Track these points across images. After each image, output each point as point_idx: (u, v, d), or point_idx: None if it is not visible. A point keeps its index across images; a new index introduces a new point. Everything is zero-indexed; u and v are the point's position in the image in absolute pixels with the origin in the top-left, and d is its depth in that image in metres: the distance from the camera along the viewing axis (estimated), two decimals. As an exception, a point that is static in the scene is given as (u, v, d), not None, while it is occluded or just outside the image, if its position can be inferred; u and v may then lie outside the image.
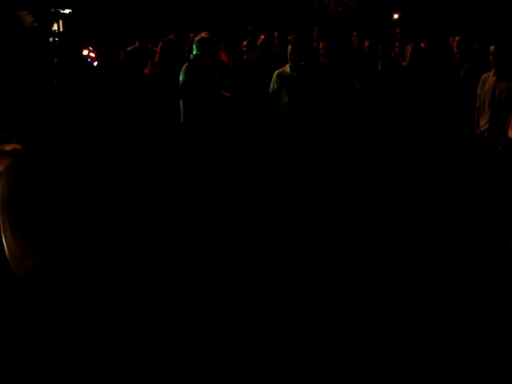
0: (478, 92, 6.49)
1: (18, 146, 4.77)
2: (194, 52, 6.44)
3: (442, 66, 7.33)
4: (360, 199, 6.61)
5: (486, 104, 6.26)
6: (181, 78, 6.39)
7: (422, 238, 5.80)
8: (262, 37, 7.53)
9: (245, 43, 7.66)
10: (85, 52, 7.17)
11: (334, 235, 5.83)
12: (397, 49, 7.75)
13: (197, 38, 6.51)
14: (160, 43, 7.26)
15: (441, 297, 4.67)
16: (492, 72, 6.34)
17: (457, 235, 5.93)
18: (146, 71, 6.89)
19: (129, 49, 7.90)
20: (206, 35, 6.46)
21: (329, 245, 5.59)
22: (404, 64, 7.16)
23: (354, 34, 8.95)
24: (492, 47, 6.07)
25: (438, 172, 6.80)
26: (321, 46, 7.09)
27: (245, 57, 7.48)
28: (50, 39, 13.44)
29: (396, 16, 23.48)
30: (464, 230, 6.05)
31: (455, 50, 7.43)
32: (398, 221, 6.20)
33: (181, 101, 6.44)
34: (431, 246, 5.66)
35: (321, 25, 11.79)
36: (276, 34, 7.93)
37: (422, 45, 7.58)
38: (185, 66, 6.48)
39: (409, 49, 7.02)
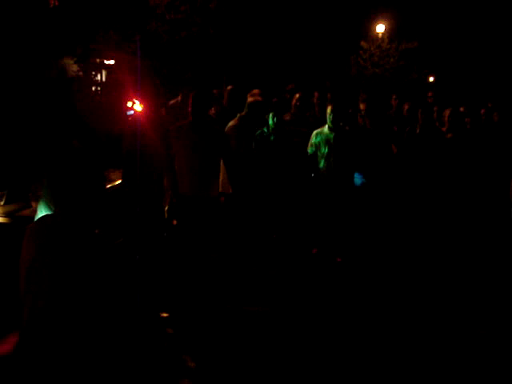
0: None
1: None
2: (244, 111, 6.61)
3: (480, 131, 7.33)
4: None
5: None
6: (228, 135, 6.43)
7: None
8: (297, 95, 7.60)
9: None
10: (129, 104, 7.29)
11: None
12: (435, 113, 7.77)
13: (251, 100, 6.64)
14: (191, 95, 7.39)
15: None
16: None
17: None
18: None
19: (171, 102, 8.04)
20: (259, 99, 6.59)
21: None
22: (443, 129, 7.16)
23: (394, 96, 9.01)
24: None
25: (471, 238, 6.71)
26: (361, 107, 7.16)
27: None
28: (93, 88, 13.88)
29: (432, 79, 23.73)
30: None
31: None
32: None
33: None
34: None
35: (357, 86, 11.97)
36: (316, 94, 8.00)
37: (461, 109, 7.61)
38: (233, 124, 6.59)
39: (447, 113, 7.03)
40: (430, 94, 10.14)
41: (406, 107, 7.72)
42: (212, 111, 7.07)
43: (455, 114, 7.03)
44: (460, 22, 22.08)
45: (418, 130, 7.21)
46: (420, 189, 6.94)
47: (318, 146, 6.61)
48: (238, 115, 6.73)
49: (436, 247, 6.58)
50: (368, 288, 5.75)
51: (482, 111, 8.28)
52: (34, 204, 4.92)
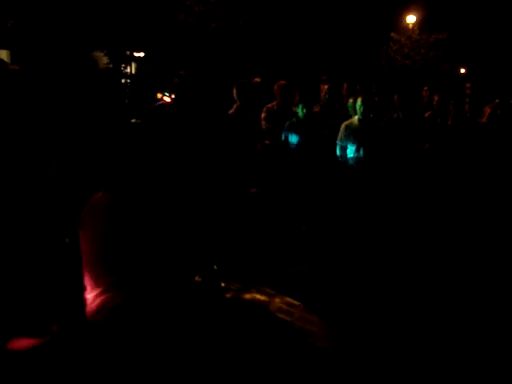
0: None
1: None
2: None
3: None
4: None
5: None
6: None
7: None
8: (326, 87, 7.56)
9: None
10: (159, 95, 7.36)
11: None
12: (467, 105, 7.66)
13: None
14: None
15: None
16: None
17: None
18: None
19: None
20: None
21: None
22: (481, 121, 7.05)
23: (425, 88, 8.90)
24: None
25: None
26: (395, 98, 7.10)
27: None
28: (123, 80, 14.00)
29: (463, 71, 23.40)
30: None
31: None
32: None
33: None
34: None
35: (387, 78, 11.85)
36: (345, 85, 7.95)
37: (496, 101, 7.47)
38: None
39: (487, 110, 6.94)
40: (468, 85, 9.97)
41: (437, 98, 7.63)
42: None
43: (496, 108, 6.93)
44: (491, 13, 21.72)
45: (449, 122, 7.13)
46: (450, 182, 6.84)
47: (347, 138, 6.57)
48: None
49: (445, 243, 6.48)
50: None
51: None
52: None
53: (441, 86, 11.80)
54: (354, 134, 6.52)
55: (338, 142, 6.67)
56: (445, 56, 20.71)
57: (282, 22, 17.82)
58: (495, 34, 21.63)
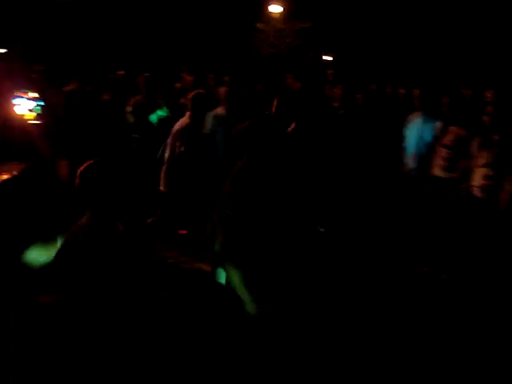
0: (404, 132, 6.80)
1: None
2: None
3: (373, 109, 7.63)
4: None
5: (413, 144, 6.57)
6: None
7: (358, 275, 5.91)
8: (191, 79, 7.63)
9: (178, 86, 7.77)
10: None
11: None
12: (327, 90, 8.02)
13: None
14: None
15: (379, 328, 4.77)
16: (417, 113, 6.67)
17: (390, 270, 6.10)
18: None
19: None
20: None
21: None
22: (335, 105, 7.39)
23: (289, 76, 9.21)
24: (416, 91, 6.39)
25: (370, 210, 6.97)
26: (258, 87, 7.29)
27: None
28: None
29: (329, 58, 24.25)
30: (398, 264, 6.23)
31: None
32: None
33: None
34: (367, 282, 5.77)
35: (255, 67, 12.09)
36: (212, 76, 8.07)
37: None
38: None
39: (338, 91, 7.26)
40: (329, 72, 10.37)
41: (298, 85, 7.94)
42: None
43: (346, 91, 7.29)
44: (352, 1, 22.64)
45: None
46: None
47: (215, 127, 6.67)
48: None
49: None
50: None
51: (373, 87, 8.59)
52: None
53: (306, 74, 12.21)
54: (220, 123, 6.63)
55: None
56: (309, 44, 21.41)
57: (149, 13, 17.68)
58: (358, 21, 22.54)
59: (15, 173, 5.72)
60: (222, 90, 6.80)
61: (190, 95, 6.03)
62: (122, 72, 7.98)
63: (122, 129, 7.09)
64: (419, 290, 5.62)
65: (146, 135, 6.90)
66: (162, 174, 6.05)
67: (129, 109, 7.12)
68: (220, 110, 6.72)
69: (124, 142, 6.97)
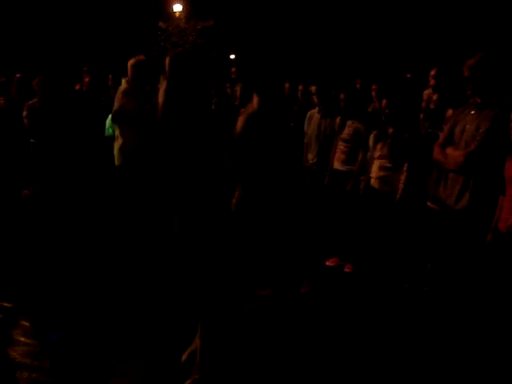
0: (305, 128, 6.92)
1: None
2: None
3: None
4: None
5: (313, 139, 6.69)
6: None
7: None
8: (87, 79, 7.43)
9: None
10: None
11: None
12: (228, 89, 8.03)
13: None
14: None
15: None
16: (316, 109, 6.80)
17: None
18: None
19: None
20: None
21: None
22: (236, 103, 7.39)
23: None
24: (314, 87, 6.50)
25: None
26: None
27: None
28: None
29: (233, 56, 24.42)
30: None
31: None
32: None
33: None
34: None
35: (160, 66, 11.95)
36: (111, 76, 7.90)
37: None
38: None
39: (238, 89, 7.27)
40: (233, 70, 10.35)
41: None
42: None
43: (246, 88, 7.29)
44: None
45: (212, 106, 7.42)
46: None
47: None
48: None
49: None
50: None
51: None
52: None
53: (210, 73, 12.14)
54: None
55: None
56: (212, 43, 21.45)
57: (38, 11, 17.12)
58: (260, 20, 22.77)
59: None
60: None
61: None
62: (18, 75, 7.67)
63: (18, 134, 6.81)
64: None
65: (43, 140, 6.66)
66: None
67: (24, 113, 6.85)
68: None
69: (20, 147, 6.70)
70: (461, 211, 4.50)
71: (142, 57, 6.27)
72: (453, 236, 4.64)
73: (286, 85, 8.22)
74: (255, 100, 4.69)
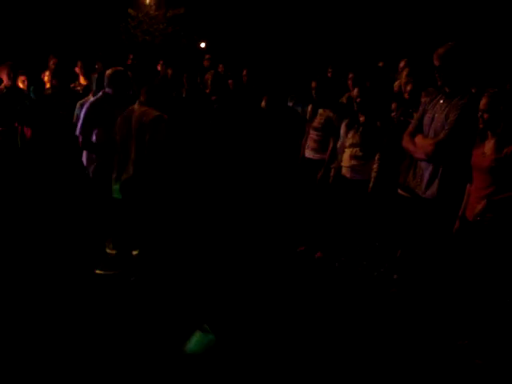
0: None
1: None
2: None
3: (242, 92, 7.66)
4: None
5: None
6: None
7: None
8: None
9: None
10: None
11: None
12: (198, 78, 7.97)
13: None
14: None
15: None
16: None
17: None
18: None
19: None
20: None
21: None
22: (207, 91, 7.33)
23: (161, 62, 9.08)
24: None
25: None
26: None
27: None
28: None
29: (203, 45, 24.24)
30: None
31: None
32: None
33: None
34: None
35: (131, 53, 11.84)
36: (80, 63, 7.78)
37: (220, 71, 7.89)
38: None
39: (209, 77, 7.22)
40: (207, 57, 10.27)
41: (170, 72, 7.85)
42: None
43: (216, 76, 7.26)
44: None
45: (184, 94, 7.38)
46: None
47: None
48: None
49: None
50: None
51: (244, 72, 8.53)
52: None
53: (179, 60, 12.11)
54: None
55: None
56: (183, 31, 21.28)
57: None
58: (231, 7, 22.62)
59: None
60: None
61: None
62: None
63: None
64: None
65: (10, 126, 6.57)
66: None
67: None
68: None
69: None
70: (430, 199, 4.57)
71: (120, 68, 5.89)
72: (422, 224, 4.71)
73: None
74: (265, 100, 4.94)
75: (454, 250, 4.44)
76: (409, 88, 5.73)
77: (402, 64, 6.73)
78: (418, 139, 4.64)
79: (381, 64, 8.81)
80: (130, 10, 20.96)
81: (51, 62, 7.60)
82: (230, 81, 7.84)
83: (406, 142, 4.78)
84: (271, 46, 20.05)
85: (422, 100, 5.18)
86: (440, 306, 4.63)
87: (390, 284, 5.40)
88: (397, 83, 6.82)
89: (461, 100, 4.40)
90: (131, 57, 10.12)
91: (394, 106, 5.83)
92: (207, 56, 10.38)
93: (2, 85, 6.86)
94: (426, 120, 4.64)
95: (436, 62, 4.51)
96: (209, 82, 7.15)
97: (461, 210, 4.35)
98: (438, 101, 4.60)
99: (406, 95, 5.76)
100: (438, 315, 4.62)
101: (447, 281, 4.57)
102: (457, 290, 4.46)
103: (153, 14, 21.34)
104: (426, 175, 4.57)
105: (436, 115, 4.55)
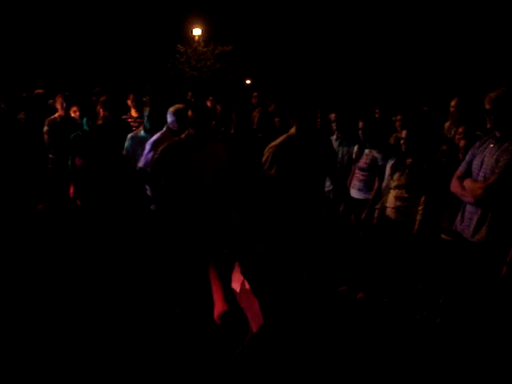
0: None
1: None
2: None
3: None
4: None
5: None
6: None
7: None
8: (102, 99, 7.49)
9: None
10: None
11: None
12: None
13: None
14: None
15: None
16: (334, 137, 6.85)
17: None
18: None
19: None
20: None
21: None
22: (254, 127, 7.44)
23: (210, 98, 9.26)
24: (333, 115, 6.54)
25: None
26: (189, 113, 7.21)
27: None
28: None
29: (248, 82, 24.62)
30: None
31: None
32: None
33: None
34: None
35: (178, 89, 12.10)
36: (132, 96, 8.00)
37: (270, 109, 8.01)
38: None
39: (256, 115, 7.32)
40: (254, 95, 10.45)
41: (219, 108, 7.99)
42: None
43: (264, 113, 7.37)
44: (272, 28, 23.11)
45: (232, 130, 7.50)
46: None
47: (134, 147, 6.59)
48: None
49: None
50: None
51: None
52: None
53: (226, 96, 12.32)
54: (138, 144, 6.56)
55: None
56: (230, 67, 21.66)
57: (55, 29, 17.37)
58: (276, 47, 22.99)
59: None
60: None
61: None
62: (40, 91, 7.81)
63: (38, 149, 6.91)
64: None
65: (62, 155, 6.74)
66: None
67: (45, 128, 6.96)
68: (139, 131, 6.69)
69: (38, 161, 6.80)
70: (478, 244, 4.51)
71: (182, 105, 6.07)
72: (468, 269, 4.64)
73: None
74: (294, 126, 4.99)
75: (501, 296, 4.37)
76: (461, 130, 5.74)
77: (453, 103, 6.73)
78: (467, 183, 4.60)
79: (425, 108, 8.82)
80: (178, 46, 21.48)
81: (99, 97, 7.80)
82: (276, 119, 7.93)
83: (454, 186, 4.75)
84: (316, 85, 20.23)
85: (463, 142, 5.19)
86: (484, 352, 4.54)
87: (433, 328, 5.32)
88: (447, 124, 6.83)
89: (512, 145, 4.37)
90: (190, 94, 10.29)
91: (445, 147, 5.82)
92: (255, 94, 10.53)
93: (57, 114, 7.09)
94: (476, 164, 4.61)
95: (487, 106, 4.50)
96: (256, 119, 7.25)
97: (509, 256, 4.29)
98: (488, 145, 4.57)
99: (458, 136, 5.77)
100: (481, 362, 4.53)
101: (493, 327, 4.49)
102: (503, 338, 4.37)
103: (201, 51, 21.80)
104: (475, 219, 4.52)
105: (486, 159, 4.51)
